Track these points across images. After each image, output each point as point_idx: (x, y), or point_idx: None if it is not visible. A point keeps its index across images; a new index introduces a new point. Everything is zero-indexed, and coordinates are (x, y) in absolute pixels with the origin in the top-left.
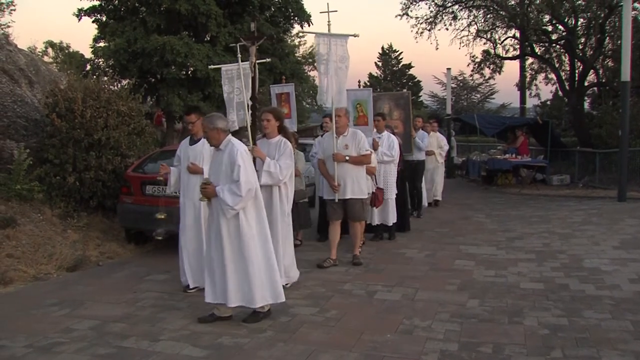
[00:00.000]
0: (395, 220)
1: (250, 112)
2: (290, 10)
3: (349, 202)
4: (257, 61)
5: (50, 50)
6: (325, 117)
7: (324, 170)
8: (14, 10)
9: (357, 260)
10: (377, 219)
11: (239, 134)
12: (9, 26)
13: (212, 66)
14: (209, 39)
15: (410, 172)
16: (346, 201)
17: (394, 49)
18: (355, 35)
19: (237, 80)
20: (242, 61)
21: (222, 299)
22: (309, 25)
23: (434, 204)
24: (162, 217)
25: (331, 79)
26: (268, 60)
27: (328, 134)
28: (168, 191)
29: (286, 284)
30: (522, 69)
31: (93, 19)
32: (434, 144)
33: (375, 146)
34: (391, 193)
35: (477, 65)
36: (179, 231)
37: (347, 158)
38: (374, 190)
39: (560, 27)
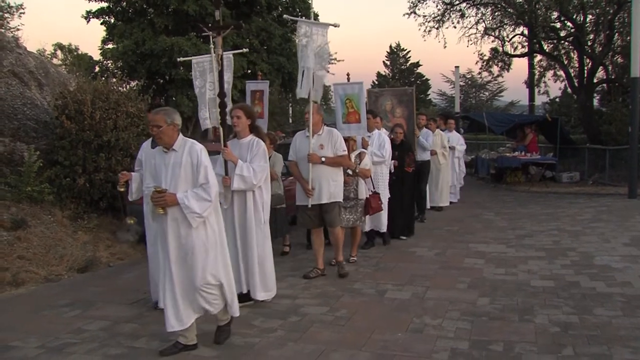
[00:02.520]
0: (385, 226)
1: (219, 109)
2: (297, 10)
3: (325, 207)
4: (234, 52)
5: (59, 52)
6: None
7: (296, 173)
8: (23, 13)
9: (342, 270)
10: (369, 225)
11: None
12: (18, 29)
13: (181, 58)
14: None
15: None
16: (322, 206)
17: (402, 47)
18: (335, 25)
19: (209, 73)
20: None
21: (187, 322)
22: None
23: (437, 209)
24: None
25: (309, 71)
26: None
27: (300, 133)
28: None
29: (265, 300)
30: (531, 66)
31: (101, 21)
32: (437, 143)
33: (364, 145)
34: (383, 197)
35: (485, 63)
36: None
37: (324, 159)
38: (368, 196)
39: (568, 23)
